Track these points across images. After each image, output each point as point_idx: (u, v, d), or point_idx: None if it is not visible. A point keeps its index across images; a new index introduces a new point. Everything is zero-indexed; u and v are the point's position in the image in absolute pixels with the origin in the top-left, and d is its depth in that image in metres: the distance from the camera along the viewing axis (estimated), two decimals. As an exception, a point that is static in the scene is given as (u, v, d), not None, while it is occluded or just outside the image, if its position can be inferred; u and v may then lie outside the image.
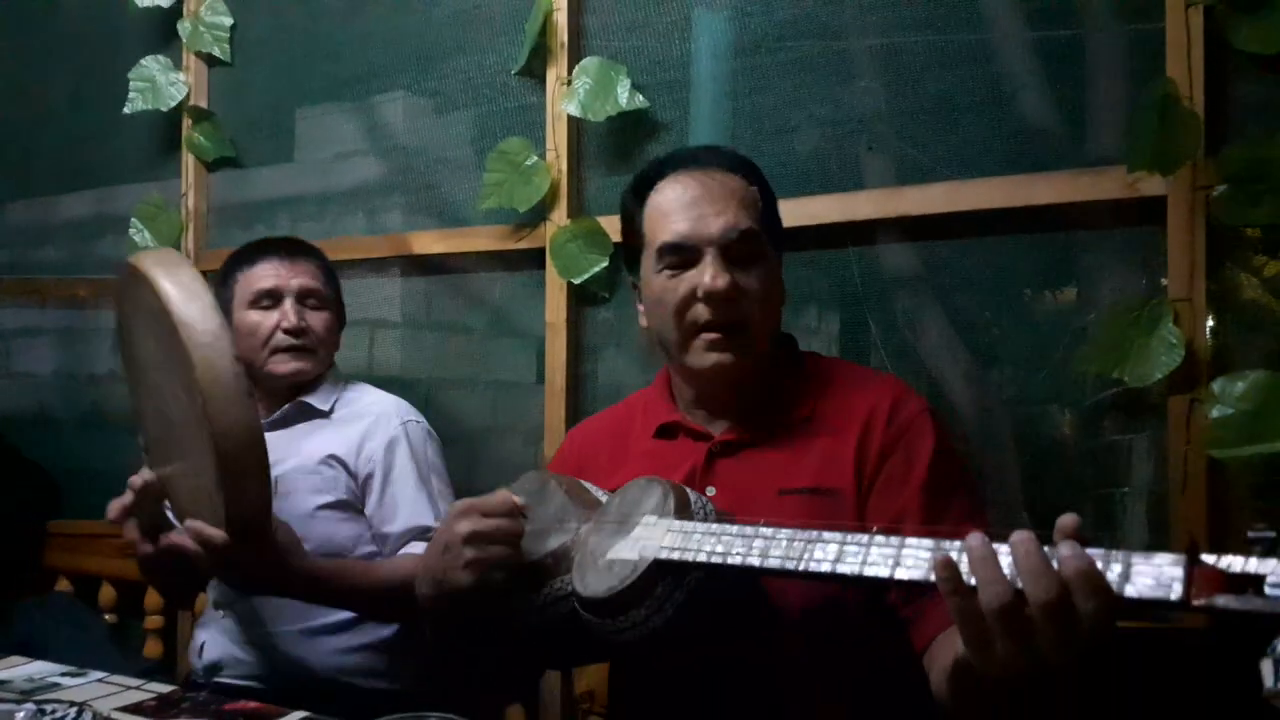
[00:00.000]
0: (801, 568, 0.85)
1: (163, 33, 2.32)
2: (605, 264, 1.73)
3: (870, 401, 1.16)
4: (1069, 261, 1.45)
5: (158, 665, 2.07)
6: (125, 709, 1.08)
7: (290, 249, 1.68)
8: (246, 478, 1.19)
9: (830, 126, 1.59)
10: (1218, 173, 1.29)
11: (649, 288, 1.20)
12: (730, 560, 0.90)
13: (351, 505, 1.60)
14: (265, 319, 1.62)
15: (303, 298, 1.64)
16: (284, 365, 1.62)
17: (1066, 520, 0.74)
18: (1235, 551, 0.67)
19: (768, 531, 0.90)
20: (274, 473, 1.55)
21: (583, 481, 1.18)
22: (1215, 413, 1.26)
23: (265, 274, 1.64)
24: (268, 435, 1.63)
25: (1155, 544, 1.36)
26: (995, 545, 0.75)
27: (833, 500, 1.12)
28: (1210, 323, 1.32)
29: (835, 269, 1.58)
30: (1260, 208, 1.26)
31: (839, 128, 1.58)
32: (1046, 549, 0.73)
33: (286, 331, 1.61)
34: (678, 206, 1.17)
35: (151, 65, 2.29)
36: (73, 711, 1.04)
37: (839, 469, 1.13)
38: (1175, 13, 1.32)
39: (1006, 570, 0.73)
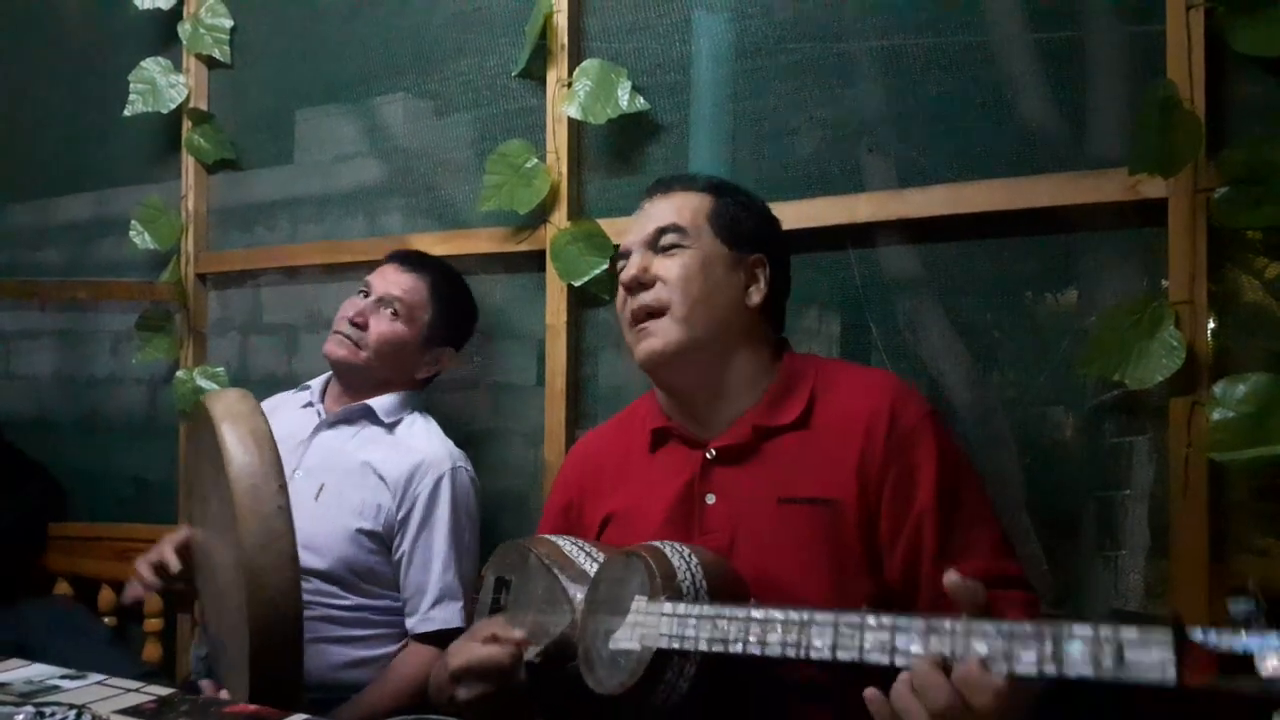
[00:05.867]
0: (801, 655, 0.88)
1: (163, 35, 2.32)
2: (605, 266, 1.73)
3: (868, 406, 1.16)
4: (1070, 264, 1.45)
5: (157, 668, 2.07)
6: (124, 711, 1.07)
7: (411, 261, 1.77)
8: (278, 660, 1.20)
9: (831, 129, 1.59)
10: (1219, 175, 1.29)
11: None
12: (731, 649, 0.92)
13: (383, 540, 1.62)
14: (350, 305, 1.73)
15: (385, 302, 1.71)
16: (330, 345, 1.71)
17: (952, 585, 0.84)
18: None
19: (759, 614, 0.92)
20: (323, 480, 1.62)
21: (562, 544, 1.19)
22: (1216, 415, 1.26)
23: (380, 272, 1.76)
24: (329, 433, 1.69)
25: (1156, 547, 1.36)
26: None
27: (833, 511, 1.12)
28: (1211, 325, 1.32)
29: (836, 271, 1.57)
30: (1261, 210, 1.26)
31: (839, 130, 1.58)
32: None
33: (349, 320, 1.70)
34: (633, 223, 1.29)
35: (151, 67, 2.28)
36: (72, 714, 1.03)
37: (840, 479, 1.13)
38: (1176, 15, 1.32)
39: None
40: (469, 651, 1.08)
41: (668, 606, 0.97)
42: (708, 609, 0.95)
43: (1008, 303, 1.49)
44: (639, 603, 0.99)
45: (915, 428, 1.14)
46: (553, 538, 1.22)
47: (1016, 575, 1.13)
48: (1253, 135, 1.30)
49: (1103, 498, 1.40)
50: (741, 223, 1.26)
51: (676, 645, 0.95)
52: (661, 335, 1.19)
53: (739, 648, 0.91)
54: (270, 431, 1.27)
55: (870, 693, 0.84)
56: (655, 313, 1.20)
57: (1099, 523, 1.40)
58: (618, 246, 1.71)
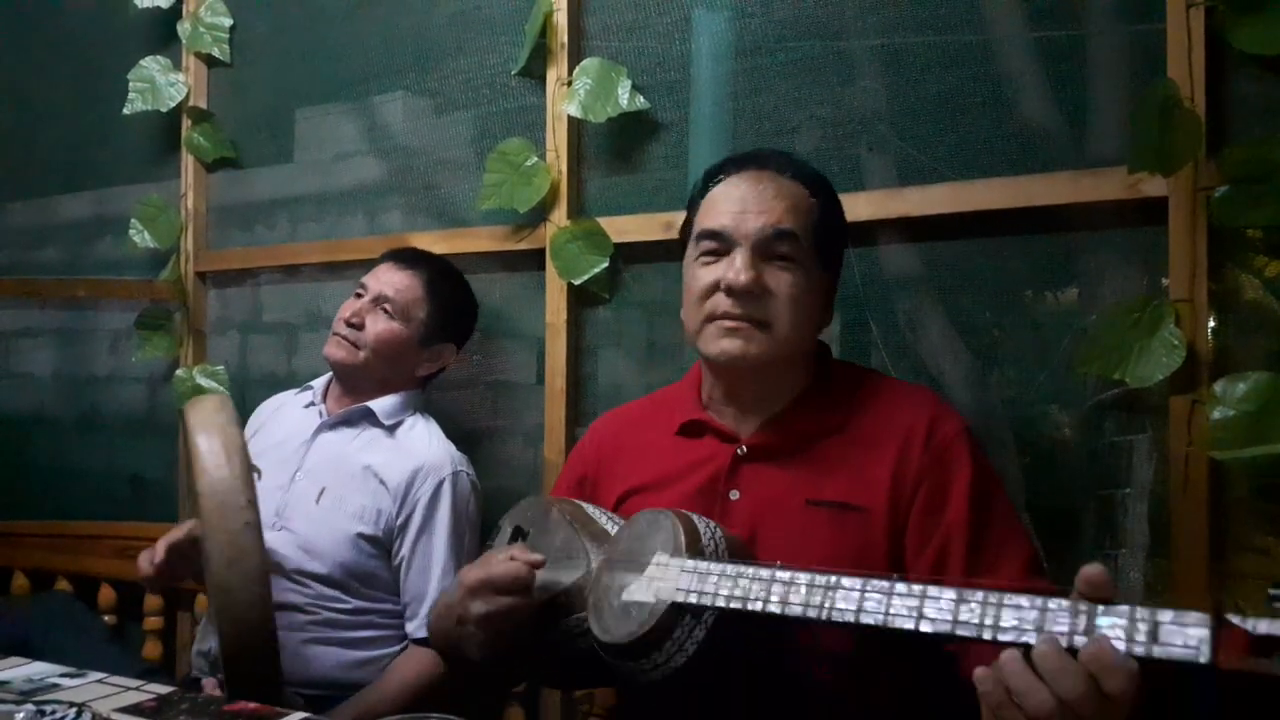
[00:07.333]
0: (824, 617, 0.86)
1: (162, 33, 2.32)
2: (605, 265, 1.73)
3: (907, 419, 1.15)
4: (1070, 262, 1.45)
5: (157, 666, 2.07)
6: (125, 709, 1.08)
7: (406, 259, 1.76)
8: (249, 673, 1.20)
9: (830, 127, 1.59)
10: (1219, 173, 1.28)
11: (685, 275, 1.21)
12: (750, 606, 0.90)
13: (383, 544, 1.62)
14: (346, 306, 1.73)
15: (380, 302, 1.70)
16: (329, 347, 1.71)
17: (1093, 574, 0.77)
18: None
19: (784, 575, 0.90)
20: (324, 483, 1.62)
21: (585, 506, 1.17)
22: (1216, 414, 1.26)
23: (375, 272, 1.75)
24: (331, 434, 1.70)
25: (1156, 546, 1.36)
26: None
27: (861, 518, 1.11)
28: (1211, 324, 1.32)
29: (836, 270, 1.57)
30: (1261, 208, 1.26)
31: (839, 128, 1.58)
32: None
33: (346, 321, 1.70)
34: (727, 199, 1.18)
35: (151, 66, 2.29)
36: (72, 712, 1.03)
37: (871, 487, 1.12)
38: (1176, 13, 1.32)
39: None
40: (486, 566, 1.06)
41: (689, 563, 0.95)
42: (730, 567, 0.93)
43: (1008, 301, 1.49)
44: (660, 557, 0.98)
45: (952, 443, 1.13)
46: (576, 500, 1.21)
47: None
48: (1253, 134, 1.30)
49: (1103, 496, 1.40)
50: (835, 240, 1.22)
51: (694, 600, 0.93)
52: (757, 345, 1.14)
53: (758, 606, 0.89)
54: (244, 443, 1.25)
55: (980, 672, 0.79)
56: (759, 322, 1.14)
57: (1099, 521, 1.40)
58: (618, 245, 1.73)
